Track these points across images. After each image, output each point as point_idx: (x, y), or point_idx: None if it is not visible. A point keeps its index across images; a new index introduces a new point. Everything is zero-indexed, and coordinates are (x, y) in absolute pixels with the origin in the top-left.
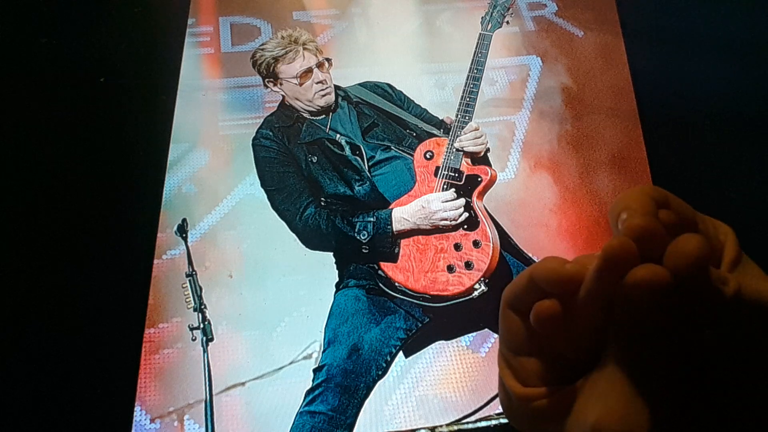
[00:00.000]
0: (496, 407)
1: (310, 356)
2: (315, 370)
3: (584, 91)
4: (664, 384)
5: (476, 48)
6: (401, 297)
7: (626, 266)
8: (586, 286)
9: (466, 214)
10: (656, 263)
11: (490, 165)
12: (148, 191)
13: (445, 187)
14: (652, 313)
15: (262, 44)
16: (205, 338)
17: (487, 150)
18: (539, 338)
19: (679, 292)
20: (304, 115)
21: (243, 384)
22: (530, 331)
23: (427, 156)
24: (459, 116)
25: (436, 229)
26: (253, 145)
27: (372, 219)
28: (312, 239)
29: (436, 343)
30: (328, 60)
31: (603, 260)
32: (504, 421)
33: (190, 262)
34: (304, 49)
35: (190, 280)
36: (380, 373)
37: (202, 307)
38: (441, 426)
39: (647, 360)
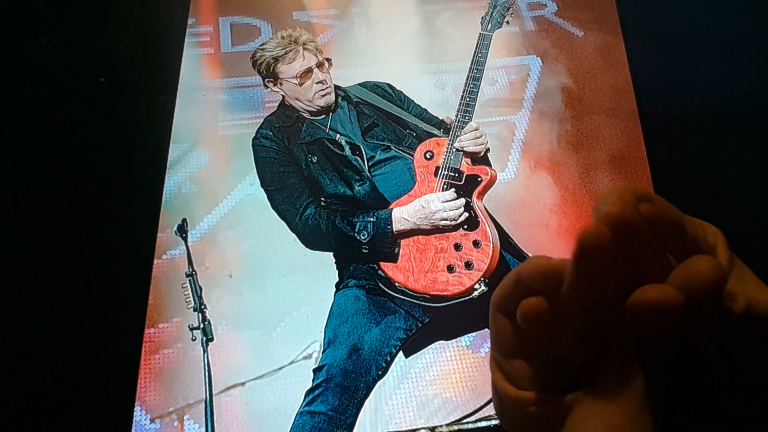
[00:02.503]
0: None
1: (310, 356)
2: (315, 370)
3: (584, 91)
4: (668, 401)
5: (476, 48)
6: (401, 297)
7: (602, 254)
8: (566, 277)
9: (466, 214)
10: (636, 257)
11: (490, 165)
12: (148, 191)
13: (445, 187)
14: (660, 333)
15: (262, 44)
16: (205, 338)
17: (487, 150)
18: (529, 340)
19: (689, 312)
20: (304, 115)
21: (243, 384)
22: (520, 333)
23: (427, 156)
24: (459, 116)
25: (436, 229)
26: (253, 145)
27: (372, 219)
28: (312, 239)
29: (436, 343)
30: (328, 60)
31: (578, 247)
32: None
33: (190, 262)
34: (304, 49)
35: (190, 280)
36: (380, 373)
37: (202, 307)
38: (441, 426)
39: (651, 378)
